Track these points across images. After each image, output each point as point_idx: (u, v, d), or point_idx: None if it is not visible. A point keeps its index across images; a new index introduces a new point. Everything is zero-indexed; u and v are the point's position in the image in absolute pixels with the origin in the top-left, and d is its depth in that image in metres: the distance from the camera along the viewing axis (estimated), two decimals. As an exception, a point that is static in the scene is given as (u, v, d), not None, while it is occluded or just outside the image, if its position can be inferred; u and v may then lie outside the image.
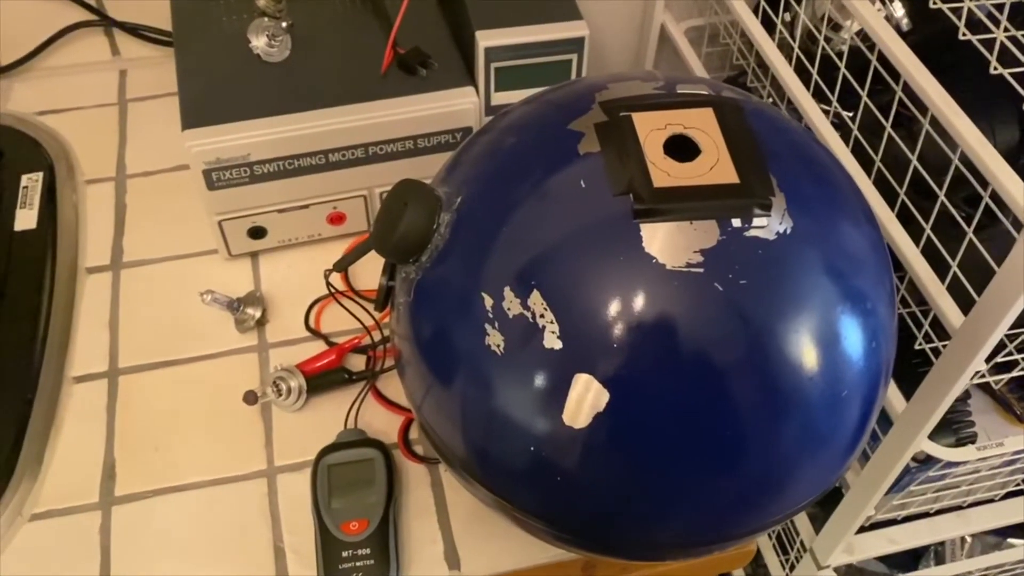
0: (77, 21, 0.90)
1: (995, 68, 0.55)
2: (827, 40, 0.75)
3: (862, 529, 0.83)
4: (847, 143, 0.72)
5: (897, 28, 0.75)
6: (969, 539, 1.01)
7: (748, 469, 0.45)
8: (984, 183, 0.56)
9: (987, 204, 0.58)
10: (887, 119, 0.67)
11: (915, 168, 0.65)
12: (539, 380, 0.43)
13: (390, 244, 0.49)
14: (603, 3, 0.98)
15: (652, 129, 0.46)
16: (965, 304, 0.59)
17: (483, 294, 0.45)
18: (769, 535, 1.01)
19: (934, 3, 0.58)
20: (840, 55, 0.72)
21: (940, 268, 0.62)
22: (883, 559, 1.00)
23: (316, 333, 0.72)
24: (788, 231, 0.44)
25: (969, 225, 0.60)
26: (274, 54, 0.73)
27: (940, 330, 0.63)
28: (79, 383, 0.68)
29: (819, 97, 0.76)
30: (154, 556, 0.60)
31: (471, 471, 0.49)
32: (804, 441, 0.45)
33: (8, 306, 0.70)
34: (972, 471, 0.79)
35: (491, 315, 0.44)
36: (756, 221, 0.43)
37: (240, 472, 0.64)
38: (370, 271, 0.71)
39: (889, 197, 0.68)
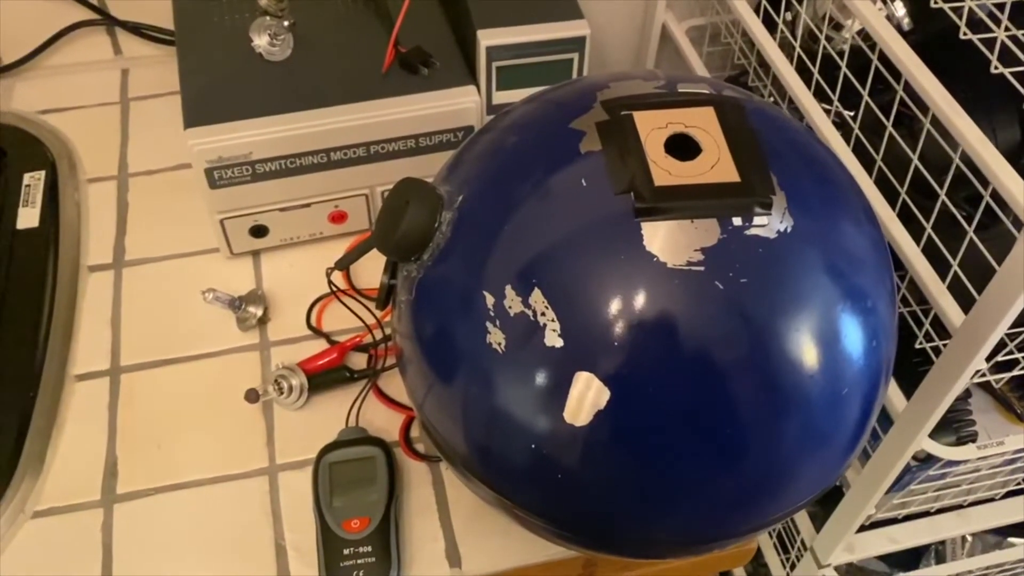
0: (79, 20, 0.90)
1: (996, 67, 0.55)
2: (828, 39, 0.75)
3: (862, 528, 0.83)
4: (848, 142, 0.72)
5: (898, 27, 0.75)
6: (969, 538, 1.01)
7: (748, 467, 0.45)
8: (985, 182, 0.56)
9: (988, 203, 0.58)
10: (888, 118, 0.67)
11: (916, 167, 0.65)
12: (540, 378, 0.43)
13: (392, 242, 0.49)
14: (604, 2, 0.98)
15: (653, 128, 0.46)
16: (966, 303, 0.59)
17: (484, 292, 0.45)
18: (770, 534, 1.01)
19: (935, 2, 0.58)
20: (841, 54, 0.72)
21: (941, 267, 0.62)
22: (883, 558, 1.00)
23: (317, 331, 0.72)
24: (789, 230, 0.44)
25: (970, 224, 0.60)
26: (276, 53, 0.73)
27: (941, 329, 0.63)
28: (81, 381, 0.68)
29: (820, 96, 0.76)
30: (156, 554, 0.60)
31: (472, 469, 0.49)
32: (804, 439, 0.45)
33: (10, 304, 0.70)
34: (972, 470, 0.79)
35: (492, 313, 0.44)
36: (757, 220, 0.43)
37: (241, 470, 0.64)
38: (371, 269, 0.71)
39: (890, 196, 0.68)
